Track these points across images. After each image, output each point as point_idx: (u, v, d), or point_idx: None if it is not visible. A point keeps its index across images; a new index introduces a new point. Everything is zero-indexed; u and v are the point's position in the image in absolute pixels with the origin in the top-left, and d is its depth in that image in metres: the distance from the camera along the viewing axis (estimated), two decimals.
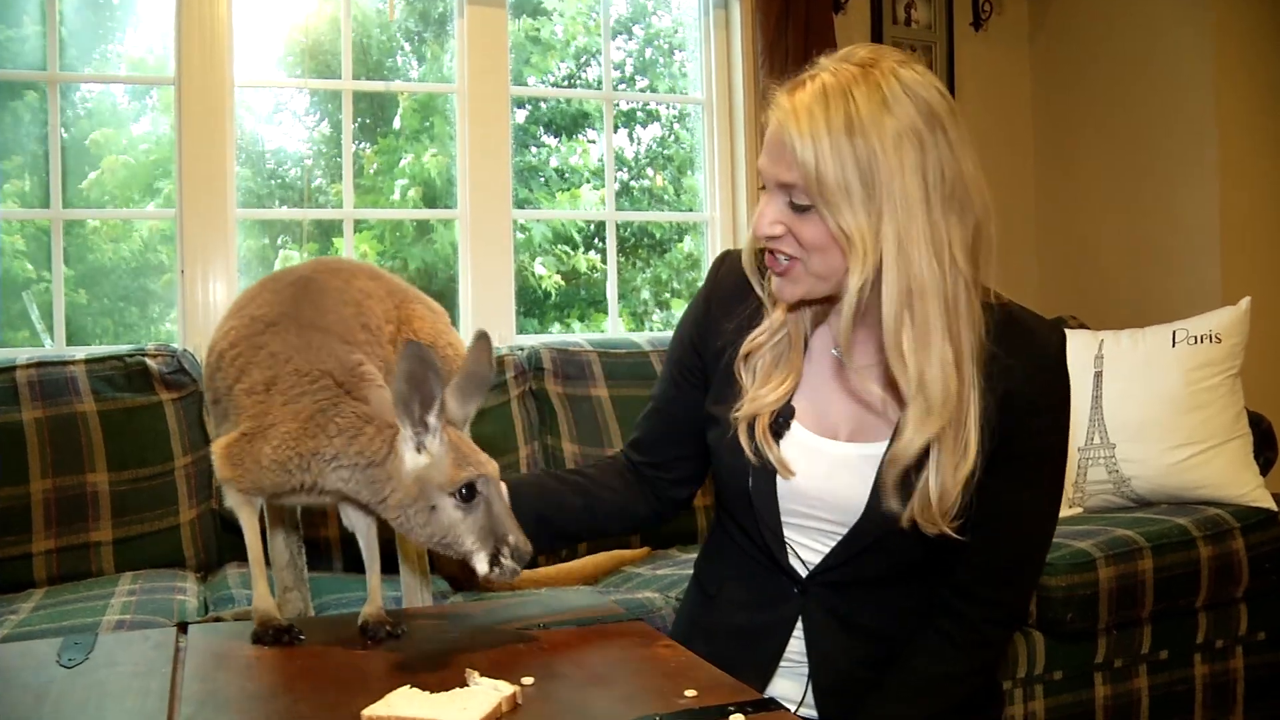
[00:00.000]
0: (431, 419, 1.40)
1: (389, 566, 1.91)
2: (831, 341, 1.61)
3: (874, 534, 1.55)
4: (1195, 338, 2.95)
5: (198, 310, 3.17)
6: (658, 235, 4.56)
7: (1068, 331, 3.23)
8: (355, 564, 2.49)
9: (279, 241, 3.85)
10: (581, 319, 4.57)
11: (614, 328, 3.83)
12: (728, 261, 1.73)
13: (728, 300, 1.68)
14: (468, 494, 1.41)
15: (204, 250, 3.19)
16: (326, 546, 2.63)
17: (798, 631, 1.64)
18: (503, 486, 1.50)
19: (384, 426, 1.45)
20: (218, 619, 2.02)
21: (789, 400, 1.60)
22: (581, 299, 4.60)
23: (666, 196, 4.65)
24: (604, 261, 3.94)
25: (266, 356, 1.55)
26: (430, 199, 3.93)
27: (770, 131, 1.48)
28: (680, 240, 4.57)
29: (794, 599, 1.64)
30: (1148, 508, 2.90)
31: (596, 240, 4.57)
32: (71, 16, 3.29)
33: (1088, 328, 3.42)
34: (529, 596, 2.14)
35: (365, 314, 1.71)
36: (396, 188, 4.03)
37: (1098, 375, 3.01)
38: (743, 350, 1.63)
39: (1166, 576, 2.57)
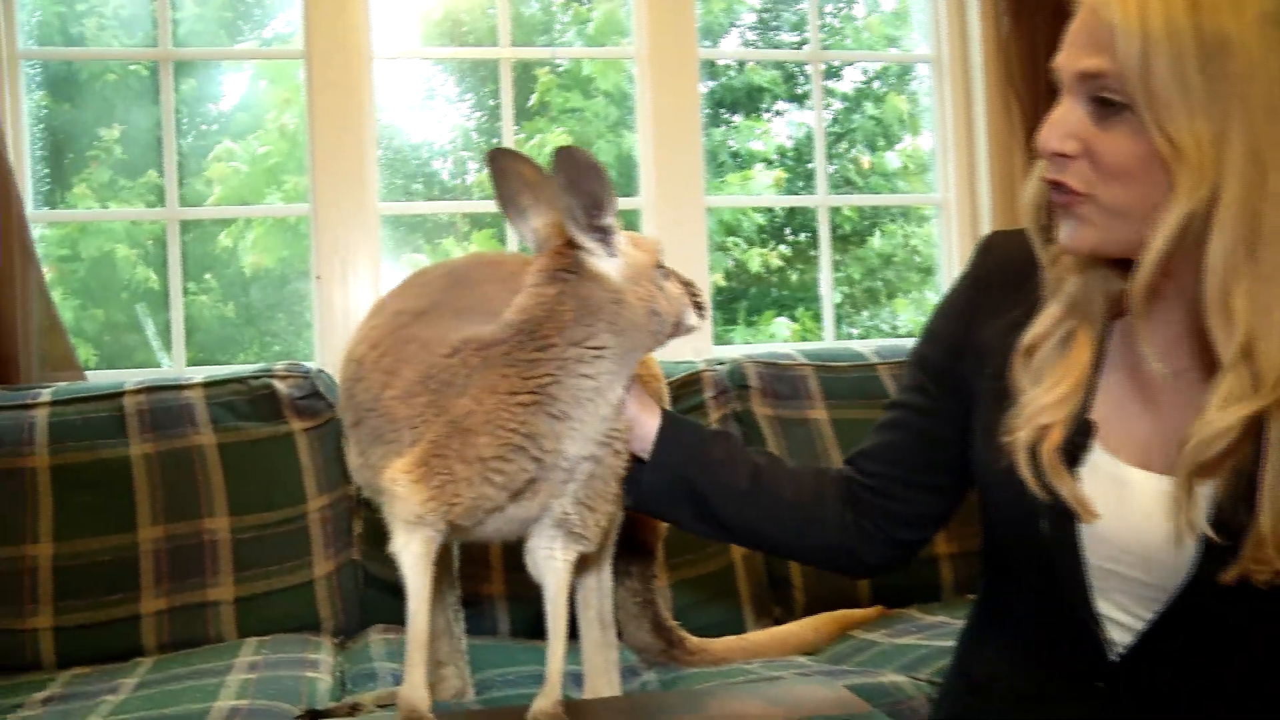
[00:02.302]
0: (608, 220, 1.40)
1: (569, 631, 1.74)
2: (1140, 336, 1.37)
3: (1211, 600, 1.30)
4: None
5: (336, 322, 3.06)
6: (847, 228, 4.37)
7: None
8: (525, 626, 2.37)
9: (422, 243, 3.77)
10: (748, 324, 4.43)
11: (829, 335, 3.58)
12: (998, 243, 1.56)
13: (998, 291, 1.50)
14: (659, 261, 1.48)
15: (342, 250, 3.07)
16: (489, 606, 2.45)
17: None
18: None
19: (561, 294, 1.41)
20: (354, 708, 1.82)
21: (1083, 413, 1.35)
22: (775, 296, 4.44)
23: (861, 182, 4.46)
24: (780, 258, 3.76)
25: (418, 349, 1.45)
26: None
27: (1079, 15, 1.29)
28: (870, 234, 4.37)
29: (1098, 695, 1.40)
30: None
31: (785, 229, 4.38)
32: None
33: None
34: (738, 678, 2.00)
35: None
36: None
37: None
38: (1023, 345, 1.42)
39: None
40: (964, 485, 1.59)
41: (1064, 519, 1.36)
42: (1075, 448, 1.36)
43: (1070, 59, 1.28)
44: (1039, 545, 1.39)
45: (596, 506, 1.48)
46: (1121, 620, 1.37)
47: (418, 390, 1.42)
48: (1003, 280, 1.50)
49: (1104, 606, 1.38)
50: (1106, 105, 1.25)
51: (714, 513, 1.59)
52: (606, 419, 1.44)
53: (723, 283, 4.52)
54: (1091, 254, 1.34)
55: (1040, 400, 1.38)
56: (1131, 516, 1.34)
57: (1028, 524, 1.39)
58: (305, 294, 3.54)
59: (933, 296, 4.36)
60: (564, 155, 1.35)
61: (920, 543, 1.64)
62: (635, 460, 1.55)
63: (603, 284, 1.41)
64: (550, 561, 1.50)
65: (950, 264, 3.47)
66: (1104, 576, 1.36)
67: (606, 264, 1.41)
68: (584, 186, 1.36)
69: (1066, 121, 1.28)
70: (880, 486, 1.59)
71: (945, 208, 3.52)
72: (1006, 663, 1.51)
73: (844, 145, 4.61)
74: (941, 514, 1.62)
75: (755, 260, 4.50)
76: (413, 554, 1.42)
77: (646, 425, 1.54)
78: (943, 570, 2.62)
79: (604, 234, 1.40)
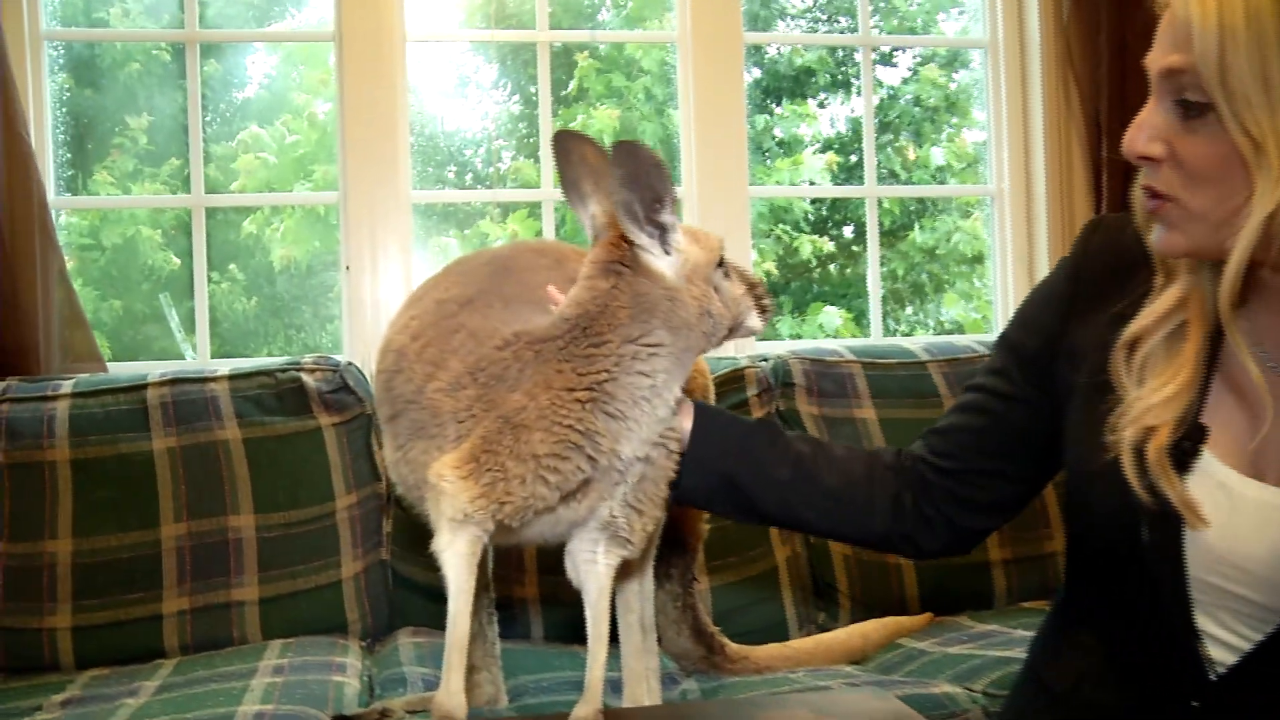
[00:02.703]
0: (667, 216, 1.38)
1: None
2: (1256, 335, 1.33)
3: None
4: None
5: (365, 314, 3.03)
6: (886, 223, 4.36)
7: None
8: (559, 630, 2.35)
9: (452, 230, 3.75)
10: (794, 313, 4.50)
11: (876, 330, 3.53)
12: (1102, 230, 1.51)
13: (1099, 282, 1.46)
14: (721, 260, 1.45)
15: (373, 239, 3.04)
16: (521, 610, 2.41)
17: None
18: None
19: (615, 289, 1.39)
20: (384, 714, 1.80)
21: (1194, 415, 1.29)
22: (817, 291, 4.41)
23: (905, 175, 4.45)
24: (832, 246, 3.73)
25: (465, 339, 1.43)
26: None
27: (1164, 14, 1.27)
28: (911, 228, 4.33)
29: (1193, 715, 1.33)
30: None
31: (829, 224, 4.36)
32: None
33: None
34: (784, 688, 1.97)
35: None
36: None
37: None
38: (1126, 336, 1.38)
39: None
40: (1038, 479, 1.56)
41: (1168, 525, 1.31)
42: (1184, 453, 1.31)
43: (1154, 57, 1.26)
44: (1137, 552, 1.34)
45: (645, 510, 1.46)
46: (1224, 638, 1.32)
47: (466, 383, 1.39)
48: (1105, 270, 1.47)
49: (1204, 623, 1.33)
50: (1189, 106, 1.23)
51: (754, 505, 1.57)
52: (663, 420, 1.42)
53: (775, 272, 4.52)
54: (1185, 257, 1.31)
55: (1147, 400, 1.34)
56: (1241, 530, 1.29)
57: (1126, 528, 1.34)
58: (330, 286, 3.53)
59: (981, 287, 4.30)
60: (623, 149, 1.33)
61: (982, 533, 1.61)
62: None
63: (658, 281, 1.39)
64: (591, 566, 1.47)
65: (1004, 257, 3.42)
66: (1207, 591, 1.31)
67: (661, 261, 1.39)
68: (643, 181, 1.34)
69: (1151, 123, 1.26)
70: (949, 468, 1.56)
71: (999, 199, 3.46)
72: (1090, 674, 1.46)
73: (888, 136, 4.59)
74: (1008, 505, 1.59)
75: (806, 247, 4.48)
76: (457, 553, 1.39)
77: (680, 424, 1.51)
78: (995, 577, 2.58)
79: (661, 230, 1.38)
